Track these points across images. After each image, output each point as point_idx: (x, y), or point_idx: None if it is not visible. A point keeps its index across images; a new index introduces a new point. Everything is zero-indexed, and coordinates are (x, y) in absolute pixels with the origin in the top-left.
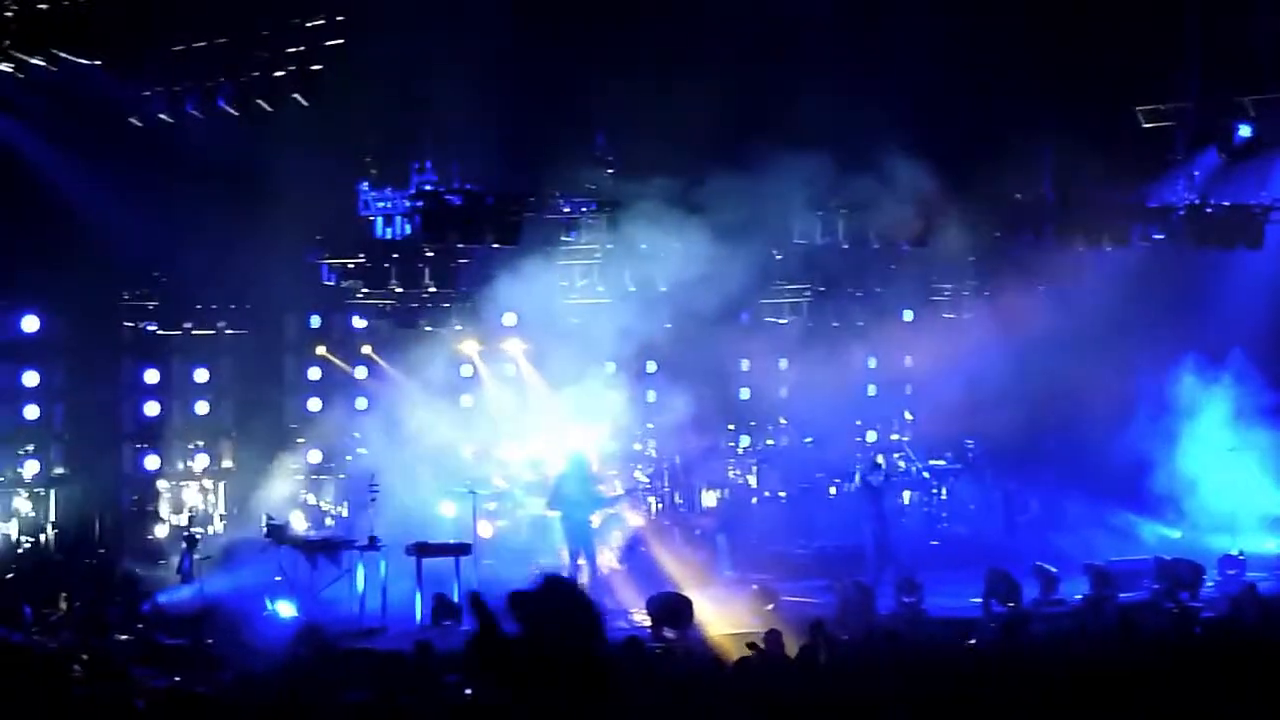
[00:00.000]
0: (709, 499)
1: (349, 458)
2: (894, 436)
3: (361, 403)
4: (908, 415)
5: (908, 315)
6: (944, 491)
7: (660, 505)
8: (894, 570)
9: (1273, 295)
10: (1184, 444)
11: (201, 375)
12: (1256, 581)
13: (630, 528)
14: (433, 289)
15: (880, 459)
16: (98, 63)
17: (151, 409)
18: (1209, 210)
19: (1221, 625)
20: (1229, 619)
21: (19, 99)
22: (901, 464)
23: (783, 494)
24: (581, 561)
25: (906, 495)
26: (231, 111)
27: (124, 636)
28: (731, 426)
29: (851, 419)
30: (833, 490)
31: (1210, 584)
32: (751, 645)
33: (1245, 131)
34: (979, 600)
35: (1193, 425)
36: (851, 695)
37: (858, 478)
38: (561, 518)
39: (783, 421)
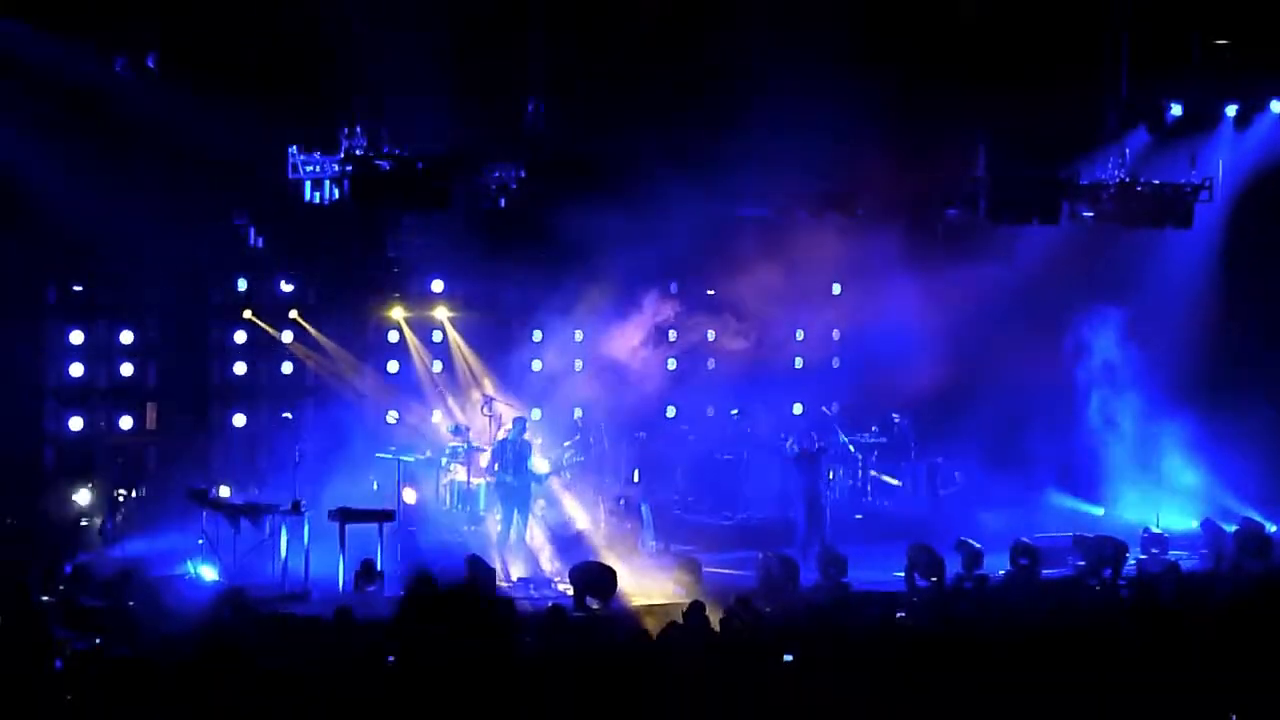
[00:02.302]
0: (634, 469)
1: (276, 421)
2: (823, 409)
3: (287, 367)
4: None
5: (836, 289)
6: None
7: (585, 475)
8: (819, 543)
9: (1200, 274)
10: (1107, 422)
11: (127, 337)
12: (1178, 560)
13: (556, 498)
14: (360, 253)
15: (813, 433)
16: (25, 23)
17: (76, 370)
18: (1139, 188)
19: (1140, 601)
20: (1147, 595)
21: None
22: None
23: (708, 466)
24: (513, 528)
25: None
26: (159, 73)
27: (45, 598)
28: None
29: (778, 391)
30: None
31: (1132, 561)
32: (669, 619)
33: (1176, 110)
34: (902, 574)
35: (1116, 403)
36: (773, 667)
37: (793, 446)
38: (497, 483)
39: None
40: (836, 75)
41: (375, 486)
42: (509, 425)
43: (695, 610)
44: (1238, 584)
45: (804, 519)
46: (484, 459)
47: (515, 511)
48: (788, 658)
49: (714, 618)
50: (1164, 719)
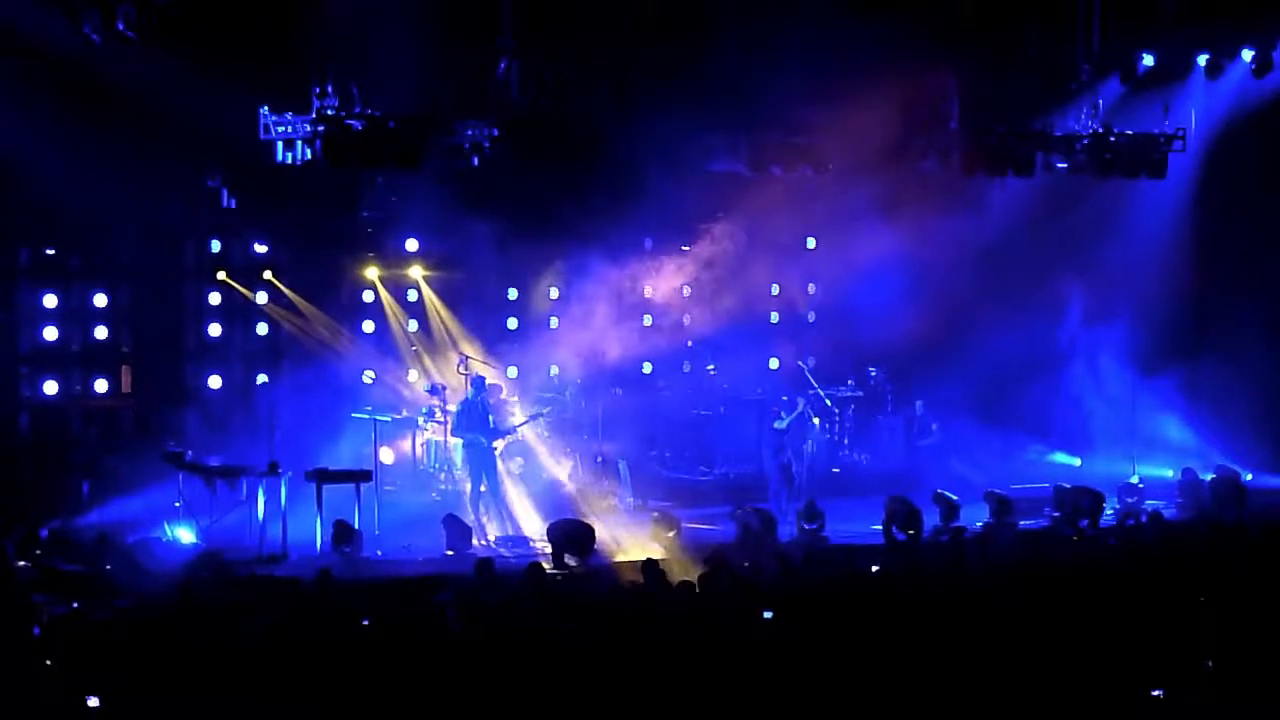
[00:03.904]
0: (612, 424)
1: (252, 383)
2: (799, 363)
3: (262, 328)
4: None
5: (810, 243)
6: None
7: (562, 431)
8: (795, 497)
9: (1173, 225)
10: (1084, 372)
11: (100, 300)
12: (1159, 509)
13: (532, 454)
14: (334, 213)
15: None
16: None
17: (50, 334)
18: (1112, 139)
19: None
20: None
21: None
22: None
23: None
24: (484, 488)
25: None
26: (130, 35)
27: (22, 563)
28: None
29: (754, 346)
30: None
31: (1109, 511)
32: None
33: (1148, 60)
34: (879, 527)
35: (1092, 353)
36: (751, 622)
37: (785, 420)
38: (464, 444)
39: (690, 345)
40: (809, 29)
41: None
42: (469, 386)
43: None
44: (1213, 533)
45: (778, 479)
46: (450, 420)
47: (484, 471)
48: (767, 615)
49: (692, 573)
50: (1138, 667)
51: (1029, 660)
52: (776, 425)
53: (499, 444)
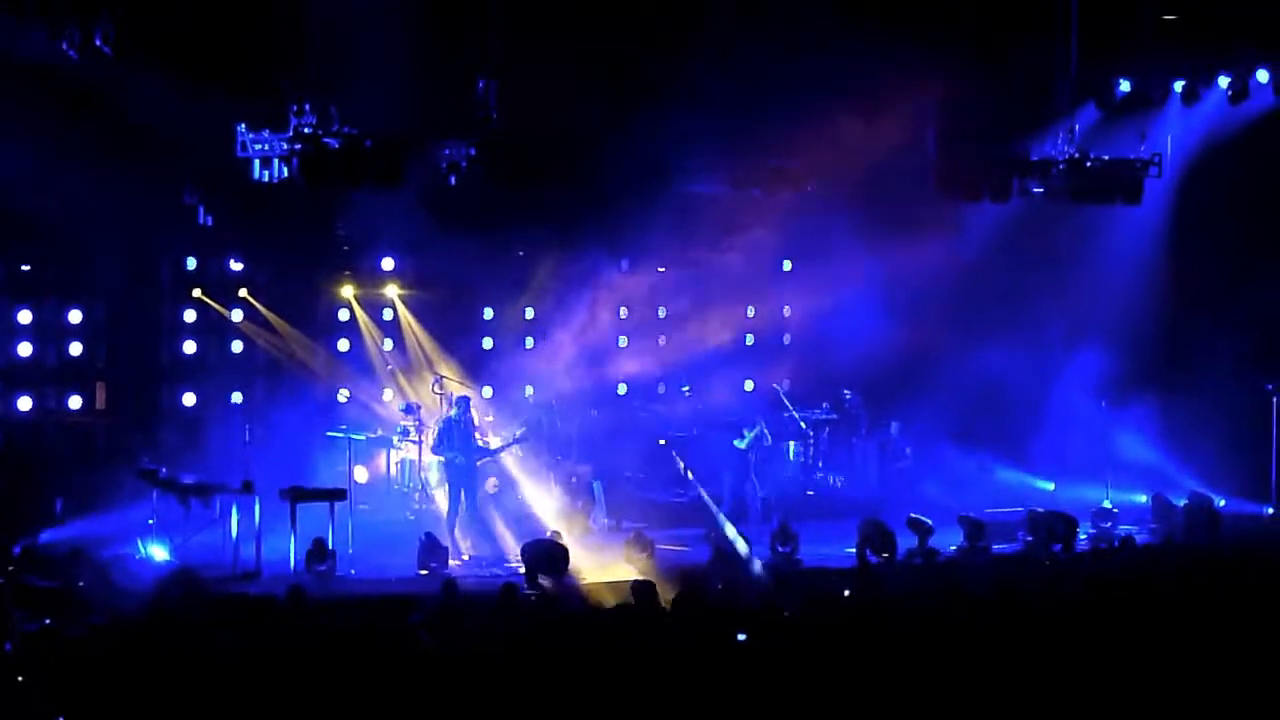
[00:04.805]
0: (587, 445)
1: (227, 401)
2: (774, 386)
3: (237, 346)
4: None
5: (786, 265)
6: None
7: (537, 452)
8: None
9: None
10: (1058, 397)
11: (75, 316)
12: (1132, 534)
13: (507, 474)
14: (310, 232)
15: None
16: None
17: (24, 350)
18: (1088, 164)
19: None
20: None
21: None
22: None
23: (661, 441)
24: (462, 507)
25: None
26: (107, 51)
27: None
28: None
29: (729, 368)
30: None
31: (1083, 536)
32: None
33: (1125, 86)
34: (853, 550)
35: (1066, 378)
36: (724, 644)
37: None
38: (445, 462)
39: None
40: (787, 52)
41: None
42: (454, 405)
43: (645, 589)
44: (1186, 558)
45: (735, 500)
46: (430, 438)
47: (462, 490)
48: (741, 637)
49: (666, 595)
50: (1115, 692)
51: (1003, 685)
52: (737, 444)
53: (479, 463)
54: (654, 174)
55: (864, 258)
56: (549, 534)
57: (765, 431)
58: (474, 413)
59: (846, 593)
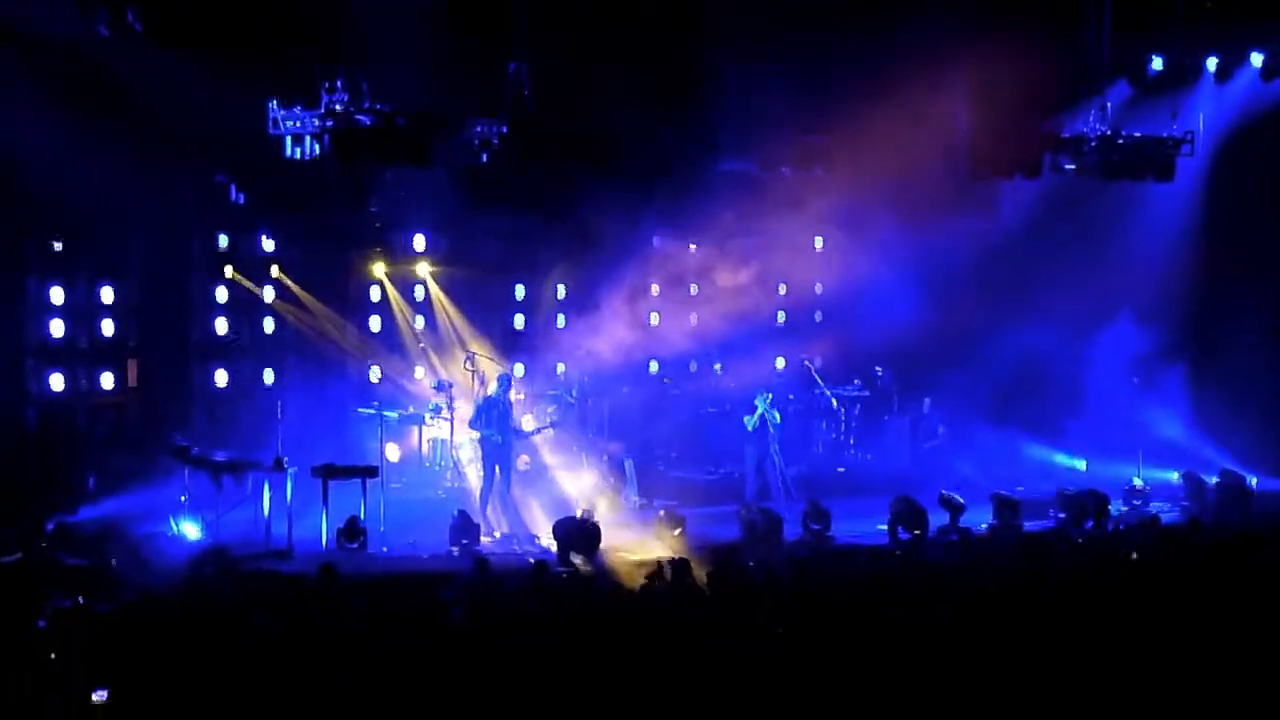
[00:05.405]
0: (618, 423)
1: (259, 379)
2: (805, 362)
3: (269, 324)
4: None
5: (818, 242)
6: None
7: (569, 430)
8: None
9: (1180, 228)
10: (1090, 375)
11: (108, 295)
12: (1159, 512)
13: (538, 452)
14: (342, 210)
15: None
16: None
17: (57, 329)
18: (1120, 141)
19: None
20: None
21: None
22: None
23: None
24: (495, 483)
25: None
26: (139, 29)
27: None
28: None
29: (761, 346)
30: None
31: (1115, 514)
32: (653, 575)
33: (1157, 63)
34: (885, 528)
35: (1099, 356)
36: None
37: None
38: (481, 439)
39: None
40: (819, 29)
41: (358, 440)
42: (494, 382)
43: (679, 566)
44: (1217, 536)
45: (754, 478)
46: (465, 413)
47: (497, 468)
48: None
49: (698, 572)
50: (1145, 669)
51: (1035, 662)
52: (746, 420)
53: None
54: (685, 152)
55: (895, 235)
56: (581, 512)
57: (770, 409)
58: (513, 392)
59: (877, 570)
